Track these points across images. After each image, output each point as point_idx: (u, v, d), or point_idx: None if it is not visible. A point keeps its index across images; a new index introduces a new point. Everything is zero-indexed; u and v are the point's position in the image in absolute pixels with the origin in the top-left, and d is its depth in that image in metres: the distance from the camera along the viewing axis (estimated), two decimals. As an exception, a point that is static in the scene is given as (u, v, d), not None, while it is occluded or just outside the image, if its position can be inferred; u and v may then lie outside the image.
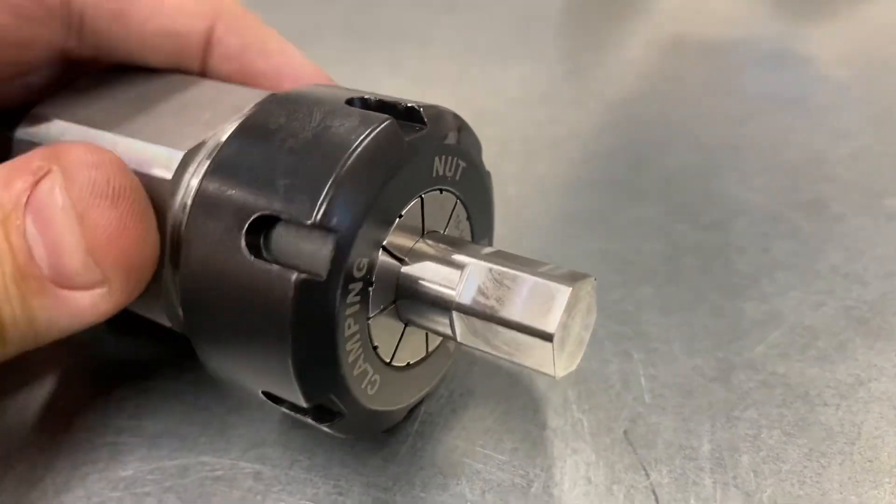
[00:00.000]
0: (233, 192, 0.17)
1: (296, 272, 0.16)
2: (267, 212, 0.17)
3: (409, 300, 0.19)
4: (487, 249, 0.19)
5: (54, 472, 0.22)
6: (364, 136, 0.17)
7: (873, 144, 0.39)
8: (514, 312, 0.18)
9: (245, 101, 0.21)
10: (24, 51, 0.23)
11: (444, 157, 0.20)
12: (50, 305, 0.19)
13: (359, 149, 0.17)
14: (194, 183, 0.19)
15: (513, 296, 0.18)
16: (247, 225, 0.17)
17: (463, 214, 0.22)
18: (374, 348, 0.19)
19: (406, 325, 0.20)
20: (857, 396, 0.24)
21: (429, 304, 0.19)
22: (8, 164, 0.19)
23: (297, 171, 0.17)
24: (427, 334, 0.21)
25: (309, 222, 0.16)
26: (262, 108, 0.19)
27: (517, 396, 0.24)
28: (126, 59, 0.24)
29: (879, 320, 0.27)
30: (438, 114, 0.19)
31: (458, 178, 0.21)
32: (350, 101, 0.19)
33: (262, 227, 0.17)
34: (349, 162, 0.17)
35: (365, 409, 0.19)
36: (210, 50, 0.25)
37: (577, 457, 0.22)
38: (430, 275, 0.19)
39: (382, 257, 0.18)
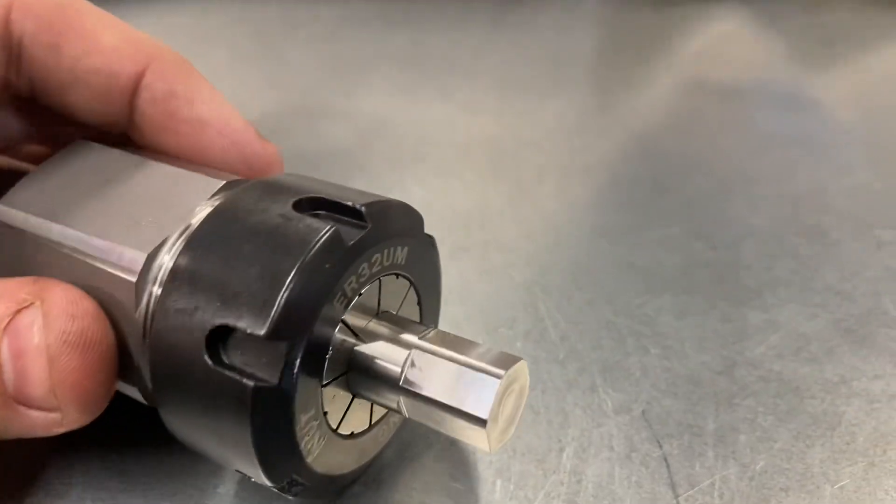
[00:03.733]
0: (189, 305, 0.18)
1: (252, 380, 0.17)
2: (222, 323, 0.18)
3: (361, 375, 0.21)
4: (431, 332, 0.21)
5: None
6: (309, 249, 0.18)
7: (871, 180, 0.44)
8: (450, 397, 0.19)
9: (203, 192, 0.22)
10: None
11: (390, 247, 0.21)
12: (6, 416, 0.20)
13: (305, 259, 0.18)
14: (156, 289, 0.20)
15: (450, 380, 0.19)
16: (206, 335, 0.18)
17: (412, 291, 0.23)
18: (325, 415, 0.20)
19: (354, 396, 0.21)
20: (839, 392, 0.28)
21: (379, 381, 0.20)
22: None
23: (247, 285, 0.18)
24: (371, 406, 0.23)
25: (261, 334, 0.17)
26: (212, 217, 0.20)
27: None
28: (56, 94, 0.24)
29: (864, 331, 0.31)
30: (381, 208, 0.20)
31: (404, 260, 0.22)
32: (298, 205, 0.20)
33: (222, 335, 0.18)
34: (295, 276, 0.18)
35: (321, 476, 0.21)
36: (138, 92, 0.25)
37: (602, 430, 0.26)
38: (381, 354, 0.20)
39: (337, 335, 0.20)
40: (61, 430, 0.21)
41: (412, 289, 0.23)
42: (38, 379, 0.20)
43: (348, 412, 0.21)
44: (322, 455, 0.21)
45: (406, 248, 0.22)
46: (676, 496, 0.24)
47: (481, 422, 0.19)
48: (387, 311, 0.22)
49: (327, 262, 0.18)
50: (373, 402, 0.22)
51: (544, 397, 0.28)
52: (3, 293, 0.20)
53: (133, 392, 0.22)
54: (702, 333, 0.31)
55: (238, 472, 0.21)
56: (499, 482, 0.24)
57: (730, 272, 0.35)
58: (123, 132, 0.26)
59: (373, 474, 0.25)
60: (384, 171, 0.44)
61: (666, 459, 0.25)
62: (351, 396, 0.21)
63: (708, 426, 0.26)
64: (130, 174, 0.23)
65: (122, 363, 0.21)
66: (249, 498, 0.24)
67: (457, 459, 0.25)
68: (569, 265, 0.35)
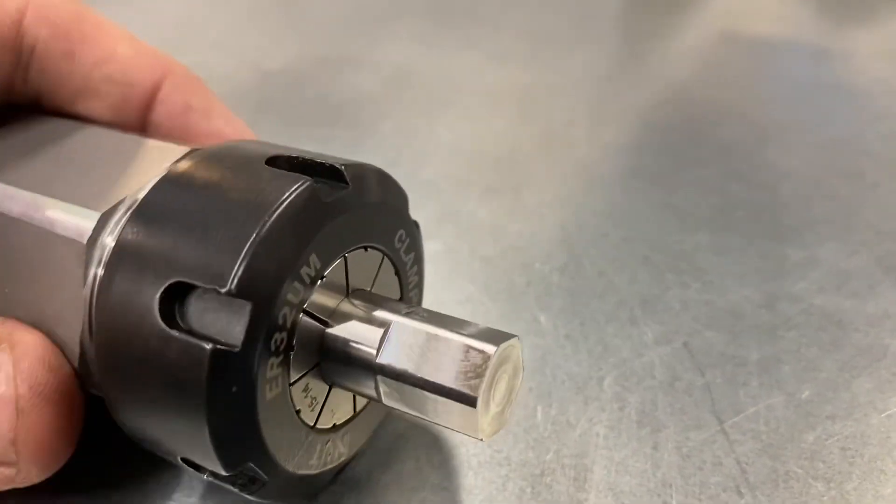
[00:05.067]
0: (146, 258, 0.16)
1: (210, 342, 0.15)
2: (181, 278, 0.16)
3: (333, 362, 0.18)
4: (413, 308, 0.19)
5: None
6: (281, 200, 0.16)
7: (908, 127, 0.43)
8: (437, 375, 0.17)
9: (165, 157, 0.20)
10: None
11: (367, 214, 0.19)
12: None
13: (275, 213, 0.16)
14: (108, 252, 0.18)
15: (436, 357, 0.17)
16: (160, 292, 0.16)
17: (390, 270, 0.21)
18: (297, 412, 0.18)
19: (330, 386, 0.19)
20: (884, 326, 0.27)
21: (352, 366, 0.18)
22: None
23: (212, 237, 0.16)
24: (353, 395, 0.20)
25: (224, 290, 0.15)
26: (180, 166, 0.18)
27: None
28: (67, 103, 0.23)
29: (907, 269, 0.31)
30: (362, 172, 0.18)
31: (383, 234, 0.20)
32: (271, 161, 0.18)
33: (178, 294, 0.16)
34: (265, 228, 0.16)
35: (288, 474, 0.18)
36: (154, 106, 0.24)
37: (643, 359, 0.26)
38: (354, 336, 0.18)
39: (304, 320, 0.17)
40: (9, 486, 0.19)
41: (393, 267, 0.21)
42: None
43: (319, 401, 0.19)
44: (285, 446, 0.18)
45: (387, 221, 0.20)
46: (721, 423, 0.23)
47: (471, 400, 0.16)
48: (359, 290, 0.19)
49: (303, 218, 0.17)
50: (350, 391, 0.20)
51: (583, 328, 0.27)
52: None
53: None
54: (741, 269, 0.30)
55: (188, 465, 0.18)
56: (539, 408, 0.24)
57: (767, 212, 0.34)
58: None
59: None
60: (412, 117, 0.44)
61: (709, 388, 0.25)
62: (322, 383, 0.19)
63: (751, 357, 0.26)
64: (87, 140, 0.22)
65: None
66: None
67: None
68: (603, 205, 0.35)
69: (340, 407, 0.20)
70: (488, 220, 0.34)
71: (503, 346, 0.17)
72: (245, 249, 0.16)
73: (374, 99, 0.46)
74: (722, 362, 0.26)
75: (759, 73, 0.51)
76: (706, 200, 0.35)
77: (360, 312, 0.18)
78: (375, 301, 0.19)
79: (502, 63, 0.51)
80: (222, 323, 0.16)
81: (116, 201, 0.19)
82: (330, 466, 0.20)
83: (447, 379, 0.17)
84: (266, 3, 0.62)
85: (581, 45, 0.55)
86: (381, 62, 0.50)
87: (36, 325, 0.19)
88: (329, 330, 0.18)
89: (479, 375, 0.16)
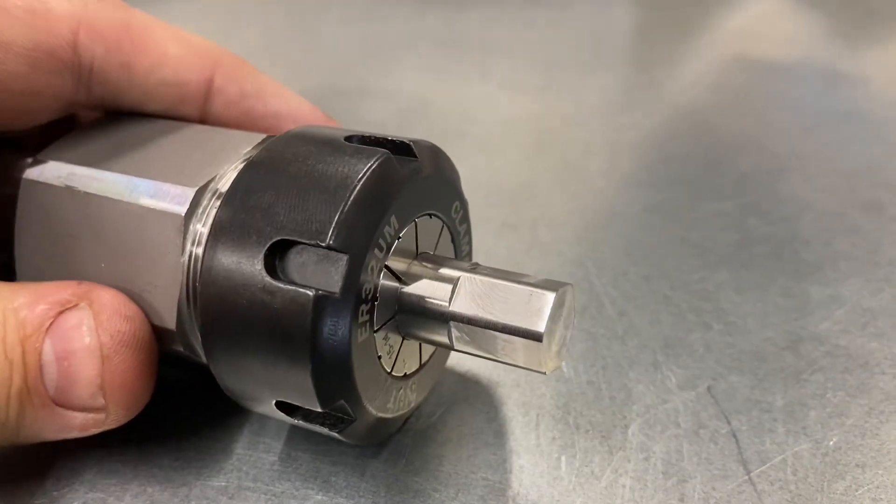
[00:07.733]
0: (249, 220, 0.19)
1: (313, 290, 0.18)
2: (284, 236, 0.18)
3: (408, 315, 0.21)
4: (474, 264, 0.22)
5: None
6: (366, 168, 0.19)
7: (928, 155, 0.42)
8: (504, 317, 0.19)
9: (245, 143, 0.23)
10: (34, 99, 0.23)
11: (431, 184, 0.21)
12: (44, 418, 0.20)
13: (362, 180, 0.18)
14: (209, 215, 0.21)
15: (502, 303, 0.20)
16: (265, 249, 0.18)
17: (448, 237, 0.23)
18: (379, 358, 0.21)
19: (404, 338, 0.22)
20: (911, 368, 0.27)
21: (427, 317, 0.21)
22: (34, 287, 0.21)
23: (308, 201, 0.18)
24: (420, 347, 0.23)
25: (323, 244, 0.18)
26: (267, 147, 0.21)
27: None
28: (130, 108, 0.25)
29: (933, 306, 0.30)
30: (425, 148, 0.21)
31: (443, 204, 0.22)
32: (349, 138, 0.20)
33: (278, 251, 0.18)
34: (355, 192, 0.18)
35: (370, 415, 0.21)
36: (210, 98, 0.26)
37: (667, 406, 0.26)
38: (427, 291, 0.21)
39: (385, 274, 0.20)
40: (100, 429, 0.21)
41: (450, 234, 0.23)
42: (86, 379, 0.20)
43: (395, 350, 0.22)
44: (370, 389, 0.21)
45: (445, 193, 0.22)
46: (748, 472, 0.23)
47: (537, 336, 0.19)
48: (425, 252, 0.22)
49: (383, 185, 0.19)
50: (422, 341, 0.22)
51: (605, 373, 0.27)
52: (42, 294, 0.20)
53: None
54: (763, 309, 0.30)
55: (281, 409, 0.20)
56: (563, 458, 0.24)
57: (788, 247, 0.34)
58: None
59: (428, 445, 0.24)
60: (426, 149, 0.44)
61: (735, 435, 0.24)
62: (398, 335, 0.22)
63: (776, 402, 0.26)
64: (172, 132, 0.24)
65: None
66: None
67: (518, 434, 0.25)
68: (621, 241, 0.35)
69: (410, 358, 0.23)
70: (506, 257, 0.34)
71: (561, 290, 0.20)
72: (340, 209, 0.18)
73: (389, 129, 0.45)
74: (747, 408, 0.25)
75: (773, 100, 0.50)
76: (725, 236, 0.35)
77: (430, 271, 0.21)
78: (441, 261, 0.22)
79: (515, 92, 0.51)
80: (322, 273, 0.18)
81: (208, 179, 0.21)
82: (401, 412, 0.23)
83: (515, 319, 0.19)
84: (277, 33, 0.62)
85: (593, 73, 0.54)
86: (395, 92, 0.50)
87: (130, 294, 0.21)
88: (404, 287, 0.21)
89: (544, 311, 0.19)
